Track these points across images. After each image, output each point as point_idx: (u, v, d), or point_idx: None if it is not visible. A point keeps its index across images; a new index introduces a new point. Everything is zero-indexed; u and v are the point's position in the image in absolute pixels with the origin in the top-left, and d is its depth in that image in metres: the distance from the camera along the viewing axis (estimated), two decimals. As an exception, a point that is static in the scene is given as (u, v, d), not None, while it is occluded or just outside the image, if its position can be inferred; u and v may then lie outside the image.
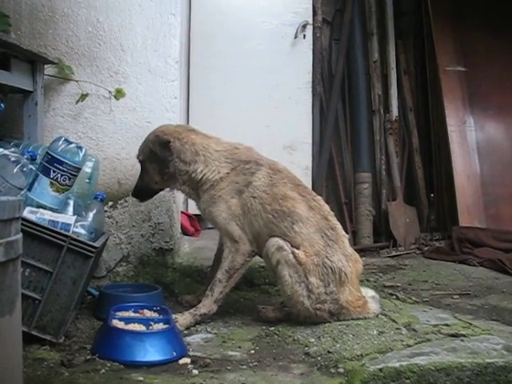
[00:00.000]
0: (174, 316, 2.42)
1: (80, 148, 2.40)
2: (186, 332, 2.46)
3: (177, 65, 3.10)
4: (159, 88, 3.05)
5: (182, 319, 2.50)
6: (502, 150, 4.58)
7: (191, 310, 2.55)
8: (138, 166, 2.99)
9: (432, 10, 4.66)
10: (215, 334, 2.47)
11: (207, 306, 2.56)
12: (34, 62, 2.70)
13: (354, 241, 4.29)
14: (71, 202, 2.44)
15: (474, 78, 4.65)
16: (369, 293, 2.64)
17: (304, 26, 4.33)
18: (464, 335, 2.30)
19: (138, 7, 3.04)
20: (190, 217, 3.94)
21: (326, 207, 2.63)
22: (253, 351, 2.25)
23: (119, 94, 2.99)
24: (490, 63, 4.68)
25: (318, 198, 2.66)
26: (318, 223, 2.53)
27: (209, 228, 4.21)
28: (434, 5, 4.67)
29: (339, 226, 2.60)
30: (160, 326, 2.25)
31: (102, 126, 2.99)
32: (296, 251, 2.45)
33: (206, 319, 2.57)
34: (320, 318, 2.46)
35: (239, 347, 2.29)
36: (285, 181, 2.62)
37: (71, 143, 2.38)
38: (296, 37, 4.30)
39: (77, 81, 2.94)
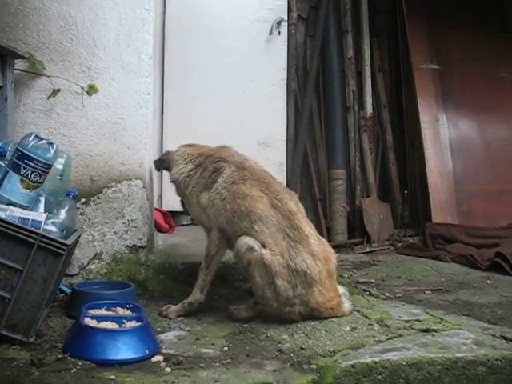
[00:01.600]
0: (167, 305, 2.58)
1: (51, 144, 2.37)
2: (159, 329, 2.45)
3: (150, 61, 3.07)
4: (132, 84, 3.01)
5: (173, 308, 2.59)
6: (474, 147, 4.64)
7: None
8: (112, 163, 2.99)
9: (406, 9, 4.70)
10: (188, 331, 2.46)
11: (193, 294, 2.62)
12: (3, 56, 2.65)
13: (329, 237, 4.30)
14: (42, 199, 2.40)
15: (447, 76, 4.70)
16: (340, 290, 2.62)
17: (279, 23, 4.34)
18: (435, 330, 2.33)
19: (110, 2, 2.99)
20: (164, 213, 3.92)
21: (291, 205, 2.51)
22: (226, 348, 2.25)
23: (92, 89, 2.95)
24: (462, 62, 4.73)
25: (284, 196, 2.55)
26: (279, 223, 2.46)
27: (183, 225, 4.20)
28: (408, 3, 4.71)
29: (304, 225, 2.49)
30: (133, 324, 2.23)
31: (75, 122, 2.95)
32: (263, 252, 2.41)
33: (195, 308, 2.61)
34: (292, 319, 2.45)
35: (212, 344, 2.28)
36: (246, 178, 2.59)
37: (42, 139, 2.35)
38: (271, 33, 4.30)
39: (48, 76, 2.90)
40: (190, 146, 2.91)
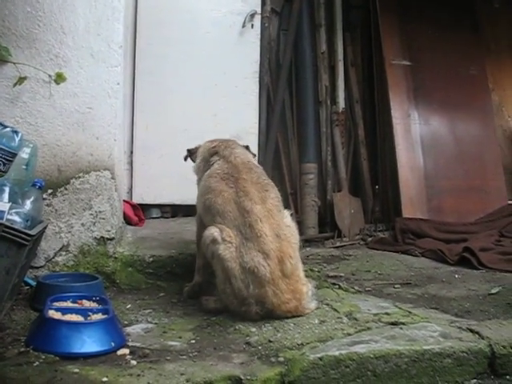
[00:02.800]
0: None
1: (16, 132, 2.32)
2: (126, 322, 2.42)
3: (120, 50, 3.02)
4: (101, 73, 2.96)
5: (185, 289, 2.77)
6: (444, 143, 4.68)
7: None
8: (80, 153, 2.93)
9: (379, 5, 4.71)
10: (156, 324, 2.43)
11: (194, 277, 2.77)
12: (-33, 42, 2.58)
13: (300, 231, 4.28)
14: (6, 189, 2.34)
15: (419, 72, 4.73)
16: (307, 287, 2.49)
17: (252, 16, 4.31)
18: (403, 323, 2.34)
19: (79, -12, 2.94)
20: (133, 206, 3.87)
21: (247, 203, 2.42)
22: (193, 341, 2.22)
23: (60, 78, 2.88)
24: (434, 59, 4.77)
25: (248, 191, 2.47)
26: (235, 219, 2.41)
27: (153, 217, 4.16)
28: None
29: (258, 223, 2.38)
30: (99, 317, 2.19)
31: (42, 111, 2.88)
32: (221, 248, 2.36)
33: (197, 289, 2.74)
34: (250, 318, 2.37)
35: (180, 337, 2.26)
36: (218, 171, 2.59)
37: (6, 127, 2.30)
38: (244, 26, 4.27)
39: (14, 63, 2.82)
40: (210, 140, 2.91)
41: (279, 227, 2.44)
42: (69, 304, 2.31)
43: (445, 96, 4.73)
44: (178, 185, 4.15)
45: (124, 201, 3.72)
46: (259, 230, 2.37)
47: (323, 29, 4.72)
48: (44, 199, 2.82)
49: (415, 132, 4.61)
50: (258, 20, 4.35)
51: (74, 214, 2.93)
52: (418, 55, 4.77)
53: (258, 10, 4.36)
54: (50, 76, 2.87)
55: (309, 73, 4.60)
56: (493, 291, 3.00)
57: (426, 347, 2.09)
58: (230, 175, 2.56)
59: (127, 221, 3.69)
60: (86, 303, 2.36)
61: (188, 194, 4.14)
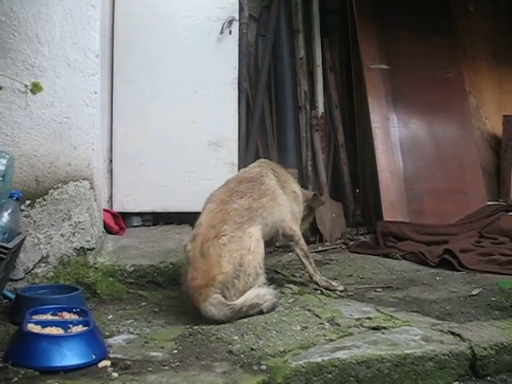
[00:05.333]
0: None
1: (-9, 144, 2.29)
2: (107, 333, 2.40)
3: (97, 59, 3.01)
4: (78, 82, 2.95)
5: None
6: (424, 146, 4.72)
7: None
8: (58, 163, 2.91)
9: (356, 9, 4.73)
10: (138, 334, 2.42)
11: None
12: None
13: (281, 236, 4.30)
14: (-18, 201, 2.32)
15: (397, 76, 4.75)
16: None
17: (230, 22, 4.30)
18: (385, 328, 2.35)
19: (55, -3, 2.92)
20: (114, 215, 3.85)
21: (209, 205, 2.77)
22: (175, 351, 2.21)
23: (36, 88, 2.86)
24: (411, 62, 4.80)
25: (218, 196, 2.81)
26: None
27: (134, 226, 4.13)
28: (358, 4, 4.74)
29: (200, 216, 2.73)
30: (79, 329, 2.17)
31: (18, 122, 2.86)
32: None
33: None
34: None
35: (162, 347, 2.24)
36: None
37: (-19, 139, 2.27)
38: (222, 32, 4.26)
39: (-11, 74, 2.80)
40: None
41: (220, 222, 2.65)
42: (48, 317, 2.29)
43: (423, 99, 4.77)
44: (159, 192, 4.14)
45: (104, 210, 3.70)
46: (200, 220, 2.72)
47: (301, 34, 4.73)
48: (22, 210, 2.80)
49: (394, 135, 4.63)
50: (236, 26, 4.34)
51: (52, 225, 2.90)
52: (396, 59, 4.80)
53: (236, 16, 4.36)
54: (26, 86, 2.86)
55: (288, 78, 4.61)
56: (473, 293, 3.03)
57: (407, 351, 2.10)
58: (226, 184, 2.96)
59: (108, 230, 3.67)
60: (67, 315, 2.34)
61: (169, 202, 4.17)
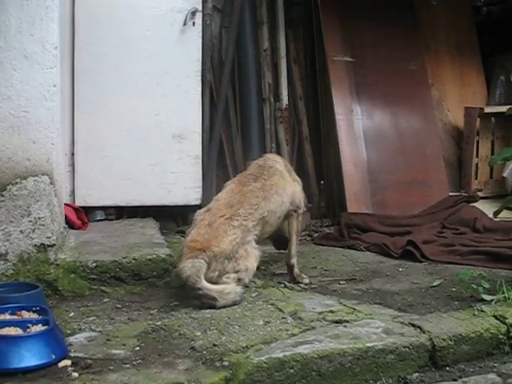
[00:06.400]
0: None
1: None
2: (68, 331, 2.38)
3: (56, 51, 2.94)
4: (37, 75, 2.88)
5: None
6: (387, 137, 4.75)
7: None
8: (16, 158, 2.85)
9: (320, 1, 4.72)
10: (99, 331, 2.39)
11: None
12: None
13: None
14: None
15: (361, 68, 4.77)
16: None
17: (193, 13, 4.25)
18: (347, 321, 2.38)
19: (10, -12, 2.84)
20: (76, 209, 3.80)
21: (229, 185, 3.09)
22: (138, 348, 2.20)
23: (-8, 81, 2.79)
24: (375, 55, 4.82)
25: (238, 179, 3.16)
26: None
27: (97, 220, 4.08)
28: (322, -4, 4.74)
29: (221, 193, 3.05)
30: (38, 328, 2.14)
31: (-26, 116, 2.79)
32: None
33: None
34: None
35: (124, 345, 2.23)
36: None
37: None
38: (185, 24, 4.21)
39: None
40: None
41: (238, 203, 2.90)
42: (6, 316, 2.25)
43: (386, 91, 4.79)
44: (122, 186, 4.10)
45: (66, 204, 3.64)
46: (218, 196, 3.03)
47: (265, 26, 4.71)
48: (-21, 207, 2.73)
49: (358, 127, 4.65)
50: (199, 18, 4.30)
51: (11, 222, 2.84)
52: (360, 51, 4.81)
53: (200, 7, 4.31)
54: (-19, 79, 2.77)
55: (252, 70, 4.59)
56: (434, 284, 3.08)
57: (368, 344, 2.13)
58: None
59: (70, 225, 3.62)
60: (26, 314, 2.30)
61: (132, 195, 4.12)
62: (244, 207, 2.88)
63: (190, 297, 2.64)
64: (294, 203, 3.16)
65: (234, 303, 2.61)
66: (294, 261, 3.15)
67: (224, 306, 2.57)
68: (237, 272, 2.75)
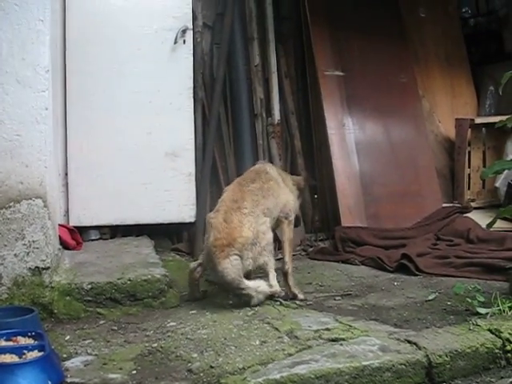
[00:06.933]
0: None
1: None
2: (64, 355, 2.37)
3: (47, 74, 2.95)
4: (28, 99, 2.88)
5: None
6: (380, 150, 4.76)
7: None
8: (9, 182, 2.85)
9: (310, 16, 4.76)
10: (96, 355, 2.39)
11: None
12: None
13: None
14: None
15: (351, 81, 4.80)
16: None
17: (184, 31, 4.27)
18: (343, 339, 2.38)
19: (1, 12, 2.85)
20: (70, 230, 3.79)
21: (228, 188, 3.32)
22: (134, 372, 2.20)
23: (-16, 105, 2.79)
24: (365, 68, 4.85)
25: (236, 182, 3.35)
26: None
27: (92, 240, 4.07)
28: (311, 10, 4.77)
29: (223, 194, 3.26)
30: (34, 354, 2.13)
31: (-34, 140, 2.79)
32: None
33: None
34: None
35: (120, 369, 2.23)
36: None
37: None
38: (176, 42, 4.23)
39: None
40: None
41: (241, 198, 3.12)
42: (2, 343, 2.24)
43: (377, 104, 4.82)
44: (116, 205, 4.09)
45: (60, 225, 3.63)
46: (222, 198, 3.22)
47: (256, 41, 4.73)
48: (-28, 231, 2.73)
49: (350, 141, 4.67)
50: (189, 35, 4.31)
51: (5, 245, 2.84)
52: (350, 65, 4.84)
53: (190, 25, 4.33)
54: (-27, 104, 2.78)
55: (243, 86, 4.61)
56: (430, 297, 3.09)
57: (365, 363, 2.13)
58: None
59: (64, 245, 3.61)
60: (21, 340, 2.29)
61: (126, 214, 4.12)
62: (247, 200, 3.11)
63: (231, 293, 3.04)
64: (283, 210, 3.31)
65: (264, 299, 2.93)
66: (287, 267, 3.19)
67: (257, 304, 2.89)
68: (265, 253, 3.05)
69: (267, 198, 3.22)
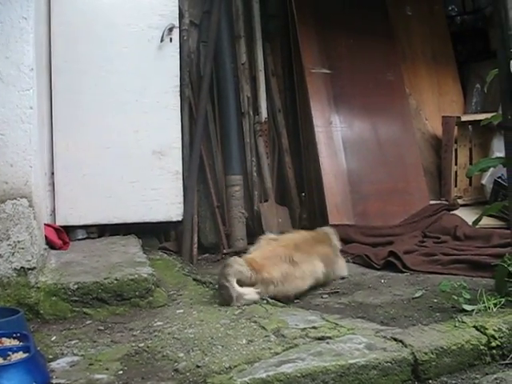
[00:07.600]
0: None
1: None
2: (50, 356, 2.36)
3: (31, 72, 2.93)
4: (12, 98, 2.87)
5: None
6: (367, 148, 4.77)
7: None
8: (-6, 182, 2.83)
9: (297, 14, 4.76)
10: (82, 355, 2.37)
11: None
12: None
13: (228, 244, 4.31)
14: None
15: (339, 79, 4.80)
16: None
17: (170, 29, 4.25)
18: (330, 337, 2.38)
19: (-17, 10, 2.83)
20: (57, 229, 3.76)
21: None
22: (121, 372, 2.19)
23: (-33, 104, 2.77)
24: (352, 66, 4.86)
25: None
26: None
27: (79, 239, 4.05)
28: (298, 8, 4.77)
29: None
30: (19, 356, 2.11)
31: (-51, 140, 2.77)
32: None
33: None
34: None
35: (107, 369, 2.21)
36: None
37: None
38: (162, 40, 4.21)
39: None
40: None
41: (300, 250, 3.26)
42: (-14, 344, 2.22)
43: (365, 102, 4.83)
44: (103, 204, 4.07)
45: (46, 224, 3.61)
46: (293, 234, 3.59)
47: (243, 40, 4.73)
48: (-44, 232, 2.70)
49: (337, 138, 4.68)
50: (176, 34, 4.30)
51: (-10, 246, 2.82)
52: (337, 63, 4.85)
53: (176, 23, 4.31)
54: (-44, 103, 2.76)
55: (230, 84, 4.60)
56: (416, 295, 3.10)
57: (351, 361, 2.13)
58: None
59: (51, 245, 3.59)
60: (6, 341, 2.26)
61: (114, 213, 4.10)
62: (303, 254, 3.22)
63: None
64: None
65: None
66: None
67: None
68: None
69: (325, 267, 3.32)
